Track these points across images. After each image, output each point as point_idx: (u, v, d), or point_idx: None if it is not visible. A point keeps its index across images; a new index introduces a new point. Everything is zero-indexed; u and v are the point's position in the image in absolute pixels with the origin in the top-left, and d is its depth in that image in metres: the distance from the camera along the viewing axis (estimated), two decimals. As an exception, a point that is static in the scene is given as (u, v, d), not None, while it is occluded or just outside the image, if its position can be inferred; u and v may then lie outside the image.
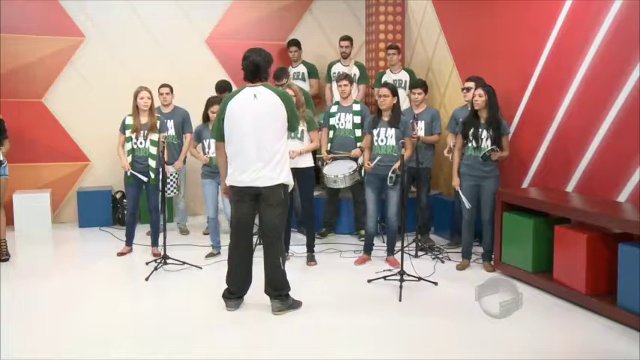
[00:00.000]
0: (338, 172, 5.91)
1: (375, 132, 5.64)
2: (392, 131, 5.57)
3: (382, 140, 5.60)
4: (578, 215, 4.70)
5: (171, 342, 3.99)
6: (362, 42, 8.56)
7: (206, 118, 5.94)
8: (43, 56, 7.51)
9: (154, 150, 5.82)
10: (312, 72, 7.81)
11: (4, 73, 7.33)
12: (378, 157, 5.54)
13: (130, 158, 5.87)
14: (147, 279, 5.22)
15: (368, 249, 5.89)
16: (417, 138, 5.96)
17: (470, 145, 5.44)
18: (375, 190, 5.73)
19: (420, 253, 6.06)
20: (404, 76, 7.31)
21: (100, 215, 7.43)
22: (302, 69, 7.78)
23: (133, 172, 5.82)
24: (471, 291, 4.71)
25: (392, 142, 5.56)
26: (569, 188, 5.39)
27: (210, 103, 5.93)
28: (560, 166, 5.49)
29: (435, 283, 5.08)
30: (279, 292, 4.48)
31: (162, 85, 6.89)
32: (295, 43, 7.75)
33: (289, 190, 4.55)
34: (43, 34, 7.48)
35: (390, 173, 5.44)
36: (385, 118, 5.63)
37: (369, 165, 5.61)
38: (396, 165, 5.40)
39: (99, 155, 7.74)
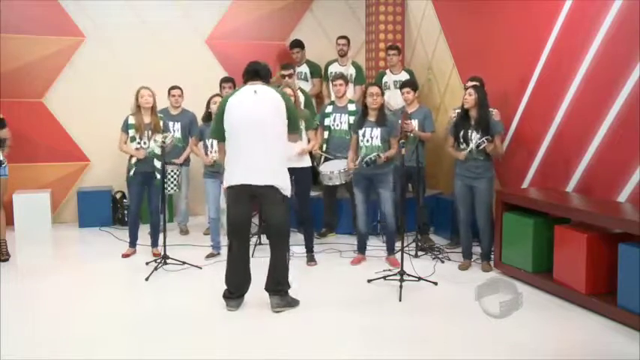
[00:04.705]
0: (333, 169, 5.91)
1: (360, 132, 5.63)
2: (378, 131, 5.56)
3: (368, 140, 5.58)
4: (578, 215, 4.70)
5: (172, 342, 3.99)
6: (362, 42, 8.56)
7: (208, 117, 5.94)
8: (43, 56, 7.51)
9: (158, 150, 5.80)
10: (315, 71, 7.80)
11: (4, 73, 7.32)
12: (362, 156, 5.52)
13: (134, 159, 5.84)
14: (147, 279, 5.22)
15: (361, 249, 5.89)
16: (410, 131, 5.94)
17: (461, 147, 5.42)
18: (363, 190, 5.72)
19: (420, 253, 6.06)
20: (404, 77, 7.29)
21: (100, 215, 7.42)
22: (304, 69, 7.77)
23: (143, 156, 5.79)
24: (470, 291, 4.71)
25: (377, 142, 5.55)
26: (569, 188, 5.39)
27: (209, 101, 5.94)
28: (560, 166, 5.49)
29: (435, 283, 5.08)
30: (280, 287, 4.49)
31: (175, 87, 6.93)
32: (298, 44, 7.74)
33: (289, 195, 4.55)
34: (43, 34, 7.48)
35: (372, 155, 5.40)
36: (371, 118, 5.62)
37: (354, 165, 5.59)
38: (383, 156, 5.38)
39: (99, 155, 7.73)
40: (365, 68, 8.21)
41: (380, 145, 5.54)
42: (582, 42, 5.18)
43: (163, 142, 5.68)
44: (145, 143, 5.81)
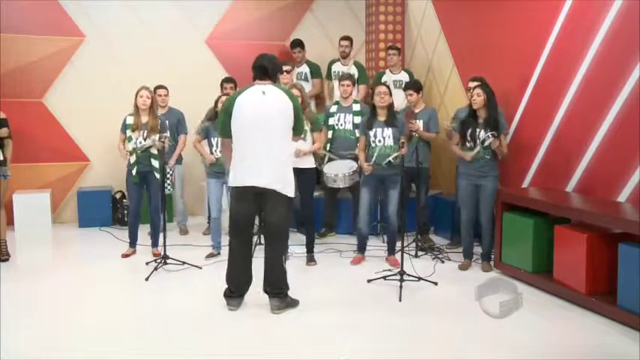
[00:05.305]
0: (338, 172, 5.90)
1: (371, 133, 5.62)
2: (389, 131, 5.56)
3: (380, 140, 5.58)
4: (578, 215, 4.70)
5: (172, 341, 3.99)
6: (362, 42, 8.56)
7: (215, 116, 5.90)
8: (43, 56, 7.52)
9: (154, 150, 5.79)
10: (315, 72, 7.80)
11: (4, 73, 7.33)
12: (376, 156, 5.51)
13: (132, 158, 5.83)
14: (147, 279, 5.22)
15: (361, 249, 5.89)
16: (414, 130, 5.96)
17: (468, 145, 5.42)
18: (372, 191, 5.72)
19: (420, 253, 6.06)
20: (404, 77, 7.30)
21: (100, 215, 7.43)
22: (305, 69, 7.77)
23: (138, 150, 5.77)
24: (470, 291, 4.71)
25: (390, 141, 5.55)
26: (569, 188, 5.39)
27: (217, 100, 5.91)
28: (560, 166, 5.49)
29: (435, 283, 5.08)
30: (278, 290, 4.48)
31: (160, 87, 6.90)
32: (299, 43, 7.74)
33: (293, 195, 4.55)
34: (43, 34, 7.48)
35: (393, 155, 5.40)
36: (381, 118, 5.62)
37: (369, 166, 5.58)
38: (401, 152, 5.38)
39: (99, 155, 7.74)
40: (365, 68, 8.21)
41: (393, 144, 5.54)
42: (582, 42, 5.18)
43: (162, 142, 5.69)
44: (140, 142, 5.80)
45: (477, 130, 5.36)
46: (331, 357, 3.78)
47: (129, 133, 5.84)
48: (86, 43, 7.66)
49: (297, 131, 4.51)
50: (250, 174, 4.35)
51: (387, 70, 7.46)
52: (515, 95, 6.01)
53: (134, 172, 5.84)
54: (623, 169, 4.83)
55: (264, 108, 4.32)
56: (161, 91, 6.89)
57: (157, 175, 5.81)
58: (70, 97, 7.61)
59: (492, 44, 6.38)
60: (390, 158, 5.40)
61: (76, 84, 7.63)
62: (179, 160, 7.01)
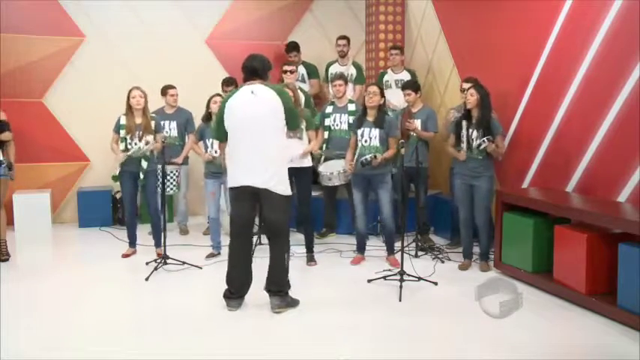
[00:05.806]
0: (333, 170, 5.91)
1: (359, 132, 5.63)
2: (376, 131, 5.56)
3: (366, 141, 5.59)
4: (578, 215, 4.70)
5: (172, 342, 3.99)
6: (362, 42, 8.56)
7: (208, 117, 5.93)
8: (43, 56, 7.52)
9: (147, 151, 5.78)
10: (312, 72, 7.79)
11: (4, 73, 7.33)
12: (357, 156, 5.55)
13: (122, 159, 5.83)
14: (147, 279, 5.22)
15: (361, 249, 5.90)
16: (412, 130, 5.97)
17: (462, 145, 5.42)
18: (362, 190, 5.73)
19: (420, 253, 6.06)
20: (406, 76, 7.28)
21: (100, 215, 7.43)
22: (301, 70, 7.74)
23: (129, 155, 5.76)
24: (470, 291, 4.72)
25: (376, 142, 5.55)
26: (569, 188, 5.39)
27: (209, 101, 5.94)
28: (560, 166, 5.50)
29: (435, 283, 5.08)
30: (280, 288, 4.48)
31: (170, 87, 6.95)
32: (294, 47, 7.72)
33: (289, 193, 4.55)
34: (43, 34, 7.49)
35: (368, 156, 5.42)
36: (370, 118, 5.62)
37: (350, 166, 5.62)
38: (379, 157, 5.40)
39: (99, 155, 7.73)
40: (365, 68, 8.21)
41: (378, 145, 5.54)
42: (582, 42, 5.18)
43: (163, 142, 5.70)
44: (135, 144, 5.79)
45: (470, 130, 5.35)
46: (331, 357, 3.78)
47: (122, 133, 5.82)
48: (86, 43, 7.66)
49: (291, 125, 4.52)
50: (244, 174, 4.37)
51: (389, 70, 7.45)
52: (515, 95, 6.01)
53: (117, 172, 5.84)
54: (623, 169, 4.83)
55: (253, 107, 4.34)
56: (172, 91, 6.95)
57: (141, 176, 5.79)
58: (70, 97, 7.62)
59: (492, 44, 6.38)
60: (362, 159, 5.42)
61: (76, 84, 7.63)
62: (185, 161, 7.02)
